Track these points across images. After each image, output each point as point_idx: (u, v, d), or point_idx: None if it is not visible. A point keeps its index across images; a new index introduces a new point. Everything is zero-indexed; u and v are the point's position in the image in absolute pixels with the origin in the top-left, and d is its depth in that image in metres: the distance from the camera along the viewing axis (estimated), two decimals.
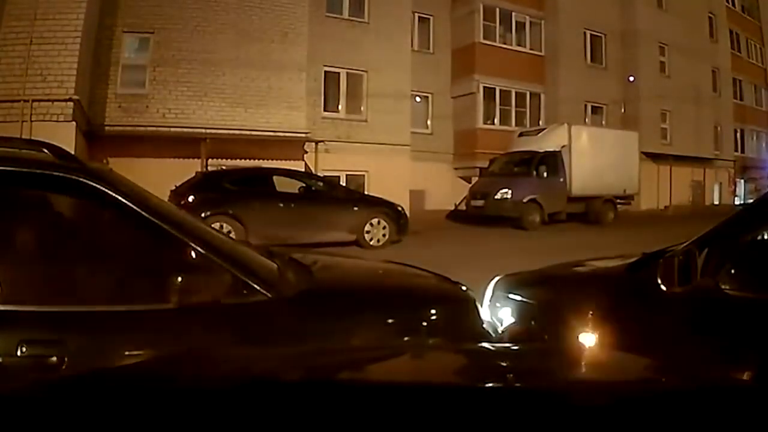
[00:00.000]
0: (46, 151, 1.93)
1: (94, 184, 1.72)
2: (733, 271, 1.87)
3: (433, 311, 2.17)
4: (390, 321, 2.01)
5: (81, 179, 1.72)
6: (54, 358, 1.52)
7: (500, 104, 19.25)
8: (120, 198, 1.73)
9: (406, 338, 1.99)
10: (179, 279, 1.70)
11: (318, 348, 1.52)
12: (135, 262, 1.88)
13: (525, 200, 13.95)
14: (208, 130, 12.20)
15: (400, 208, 10.72)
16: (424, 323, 2.08)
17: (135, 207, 1.74)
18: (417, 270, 2.80)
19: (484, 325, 2.32)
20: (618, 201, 16.51)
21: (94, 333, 1.63)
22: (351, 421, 0.75)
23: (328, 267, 2.61)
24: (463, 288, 2.48)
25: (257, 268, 1.96)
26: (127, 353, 1.62)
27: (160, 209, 1.87)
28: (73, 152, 8.45)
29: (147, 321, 1.69)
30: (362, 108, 15.70)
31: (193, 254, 1.77)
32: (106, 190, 1.72)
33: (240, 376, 1.05)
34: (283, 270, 2.14)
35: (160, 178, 10.24)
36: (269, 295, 1.82)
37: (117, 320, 1.66)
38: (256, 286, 1.81)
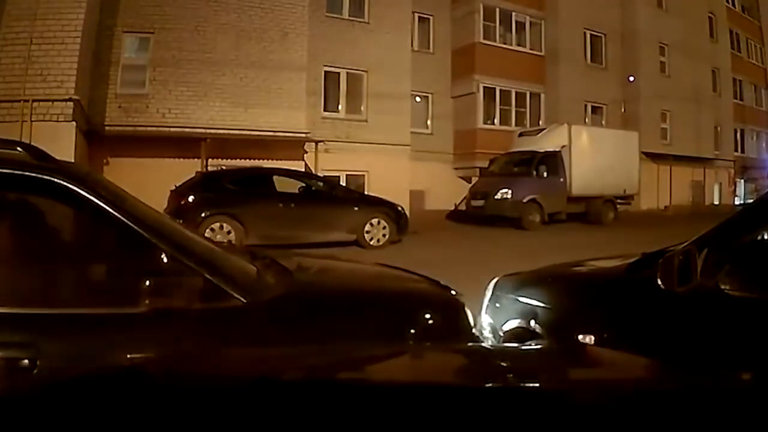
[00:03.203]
0: (20, 150, 1.87)
1: (69, 185, 1.68)
2: (733, 271, 1.87)
3: (420, 317, 2.09)
4: (373, 327, 1.93)
5: (55, 180, 1.67)
6: (26, 361, 1.49)
7: (500, 104, 19.26)
8: (95, 200, 1.69)
9: (391, 345, 1.92)
10: (150, 283, 1.67)
11: (318, 348, 1.52)
12: (107, 264, 1.85)
13: (525, 200, 13.96)
14: (208, 130, 12.20)
15: (400, 208, 10.72)
16: (411, 330, 2.02)
17: (110, 209, 1.70)
18: (406, 273, 2.73)
19: (474, 331, 2.26)
20: (618, 201, 16.51)
21: (63, 336, 1.60)
22: (351, 421, 0.75)
23: (310, 270, 2.54)
24: (453, 292, 2.41)
25: (232, 272, 1.91)
26: (94, 357, 1.58)
27: (137, 212, 1.82)
28: (73, 152, 8.46)
29: (115, 325, 1.65)
30: (362, 108, 15.70)
31: (166, 258, 1.73)
32: (81, 192, 1.68)
33: (240, 376, 1.05)
34: (261, 274, 2.09)
35: (160, 178, 10.26)
36: (243, 300, 1.77)
37: (85, 323, 1.63)
38: (229, 290, 1.76)
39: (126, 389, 0.91)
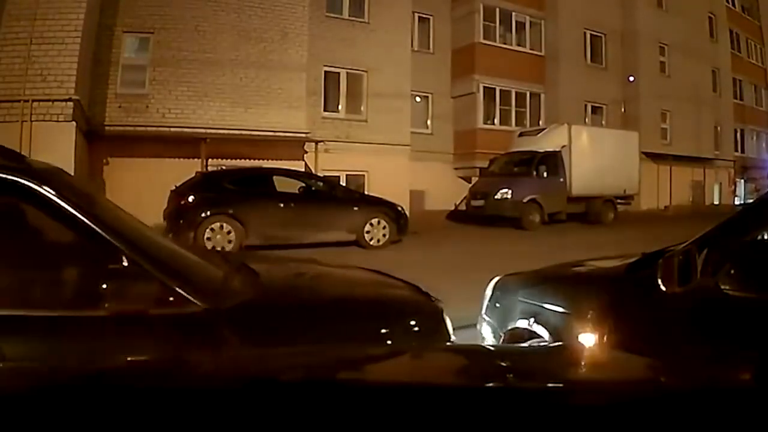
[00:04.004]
0: None
1: (32, 185, 1.65)
2: (733, 271, 1.87)
3: (395, 324, 2.03)
4: (344, 334, 1.87)
5: (18, 180, 1.65)
6: None
7: (500, 104, 19.26)
8: (57, 200, 1.66)
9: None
10: (108, 286, 1.64)
11: (318, 348, 1.52)
12: (66, 267, 1.82)
13: (525, 200, 13.96)
14: (208, 130, 12.21)
15: (400, 208, 10.73)
16: (385, 337, 1.97)
17: (72, 210, 1.67)
18: (385, 278, 2.66)
19: (453, 338, 2.19)
20: (618, 201, 16.52)
21: (15, 338, 1.57)
22: (351, 421, 0.75)
23: (282, 275, 2.46)
24: (433, 299, 2.34)
25: (193, 277, 1.86)
26: (45, 359, 1.55)
27: (102, 214, 1.79)
28: (73, 152, 8.46)
29: (70, 327, 1.62)
30: (362, 108, 15.71)
31: (126, 261, 1.69)
32: (44, 192, 1.65)
33: (240, 376, 1.05)
34: (227, 279, 2.04)
35: (160, 178, 10.27)
36: (203, 306, 1.72)
37: (37, 325, 1.59)
38: (188, 296, 1.72)
39: (133, 391, 0.91)
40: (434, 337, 2.07)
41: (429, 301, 2.33)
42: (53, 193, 1.67)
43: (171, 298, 1.71)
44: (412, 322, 2.10)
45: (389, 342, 1.96)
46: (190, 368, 1.14)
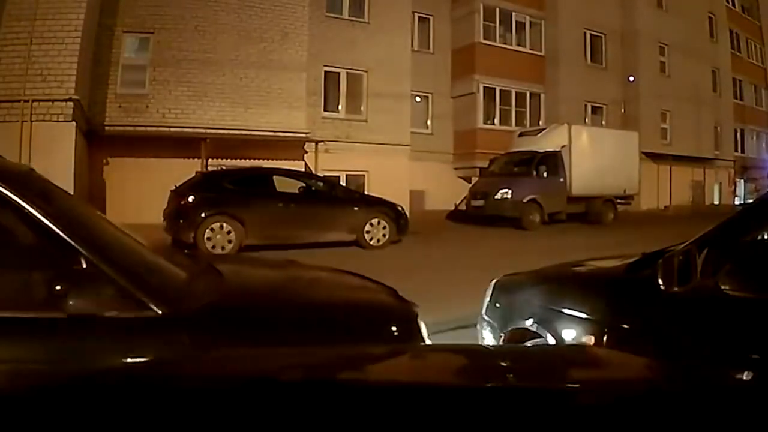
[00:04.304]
0: None
1: None
2: (733, 271, 1.87)
3: (366, 330, 1.97)
4: (311, 341, 1.81)
5: None
6: None
7: (500, 104, 19.27)
8: (17, 199, 1.64)
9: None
10: (63, 288, 1.59)
11: (318, 348, 1.52)
12: (23, 266, 1.78)
13: (525, 200, 13.96)
14: (208, 130, 12.21)
15: (400, 208, 10.72)
16: (357, 344, 1.88)
17: (31, 209, 1.64)
18: (362, 281, 2.60)
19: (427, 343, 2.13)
20: (618, 201, 16.53)
21: None
22: (351, 421, 0.75)
23: (250, 278, 2.40)
24: (407, 303, 2.28)
25: (154, 280, 1.82)
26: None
27: (64, 213, 1.75)
28: (73, 152, 8.42)
29: (17, 329, 1.58)
30: (362, 108, 15.71)
31: (85, 263, 1.64)
32: (3, 190, 1.63)
33: (240, 376, 1.05)
34: (191, 282, 2.00)
35: (160, 178, 10.27)
36: (160, 311, 1.67)
37: None
38: (145, 300, 1.67)
39: (133, 391, 0.91)
40: (408, 343, 2.01)
41: (403, 305, 2.28)
42: (15, 191, 1.64)
43: (128, 302, 1.66)
44: (384, 327, 2.04)
45: (357, 345, 1.91)
46: (190, 368, 1.14)
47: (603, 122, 21.25)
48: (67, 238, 1.65)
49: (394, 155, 15.35)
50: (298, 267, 2.89)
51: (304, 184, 10.34)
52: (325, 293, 2.38)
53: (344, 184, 13.63)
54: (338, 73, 15.37)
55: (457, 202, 16.83)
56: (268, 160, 12.14)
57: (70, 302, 1.60)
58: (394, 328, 2.06)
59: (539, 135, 15.75)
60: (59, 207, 1.79)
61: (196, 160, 11.66)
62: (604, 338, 2.10)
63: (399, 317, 2.15)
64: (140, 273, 1.80)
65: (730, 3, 27.36)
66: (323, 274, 2.78)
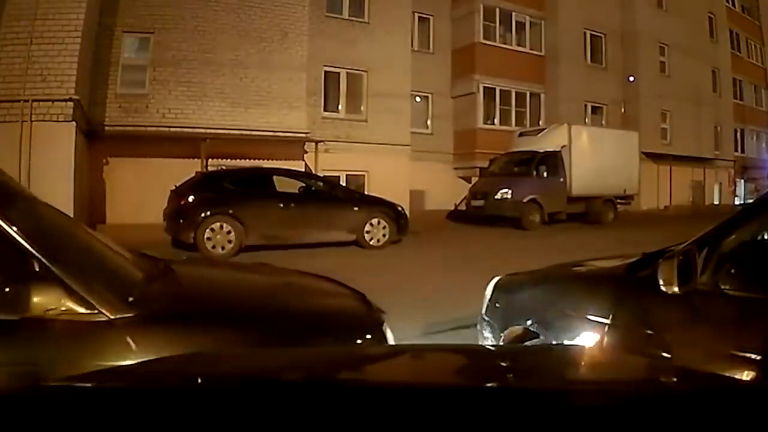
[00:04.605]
0: None
1: None
2: (733, 271, 1.87)
3: (327, 337, 1.93)
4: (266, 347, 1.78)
5: None
6: None
7: (500, 104, 19.26)
8: None
9: None
10: (11, 289, 1.58)
11: (318, 348, 1.52)
12: None
13: (525, 200, 13.97)
14: (208, 130, 12.20)
15: (400, 208, 10.72)
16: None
17: None
18: (332, 286, 2.57)
19: None
20: (618, 201, 16.53)
21: None
22: (351, 421, 0.75)
23: (208, 282, 2.35)
24: (374, 309, 2.23)
25: (104, 283, 1.78)
26: None
27: (18, 213, 1.73)
28: (72, 152, 8.42)
29: None
30: (362, 108, 15.71)
31: (38, 265, 1.62)
32: None
33: (240, 376, 1.05)
34: (147, 285, 1.97)
35: (160, 178, 10.27)
36: (109, 315, 1.65)
37: None
38: (95, 303, 1.64)
39: (134, 391, 0.91)
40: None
41: (369, 312, 2.24)
42: None
43: (77, 306, 1.63)
44: (348, 334, 2.00)
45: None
46: (190, 368, 1.14)
47: (603, 122, 21.24)
48: (18, 239, 1.62)
49: (394, 155, 15.35)
50: (267, 271, 2.83)
51: (304, 184, 10.35)
52: (287, 299, 2.32)
53: (344, 184, 13.63)
54: (338, 73, 15.37)
55: (457, 202, 16.83)
56: (268, 160, 12.14)
57: (19, 304, 1.58)
58: (358, 335, 2.02)
59: (539, 135, 15.75)
60: (9, 206, 1.76)
61: (196, 160, 11.65)
62: (604, 338, 2.10)
63: (364, 324, 2.11)
64: (91, 276, 1.77)
65: (730, 3, 27.35)
66: (292, 279, 2.72)
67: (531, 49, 20.07)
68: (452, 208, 17.00)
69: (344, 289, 2.54)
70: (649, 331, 1.98)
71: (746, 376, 1.45)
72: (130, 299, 1.79)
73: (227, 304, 2.10)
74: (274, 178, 10.08)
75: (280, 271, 2.88)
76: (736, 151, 27.31)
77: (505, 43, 19.54)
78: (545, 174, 14.69)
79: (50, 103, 9.16)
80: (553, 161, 14.87)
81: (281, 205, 9.62)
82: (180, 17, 12.46)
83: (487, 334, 2.89)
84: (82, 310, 1.64)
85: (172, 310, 1.88)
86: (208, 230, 8.96)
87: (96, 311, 1.65)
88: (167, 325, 1.78)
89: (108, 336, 1.65)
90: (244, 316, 1.98)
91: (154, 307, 1.83)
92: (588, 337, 2.16)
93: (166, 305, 1.90)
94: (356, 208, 10.28)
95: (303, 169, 12.85)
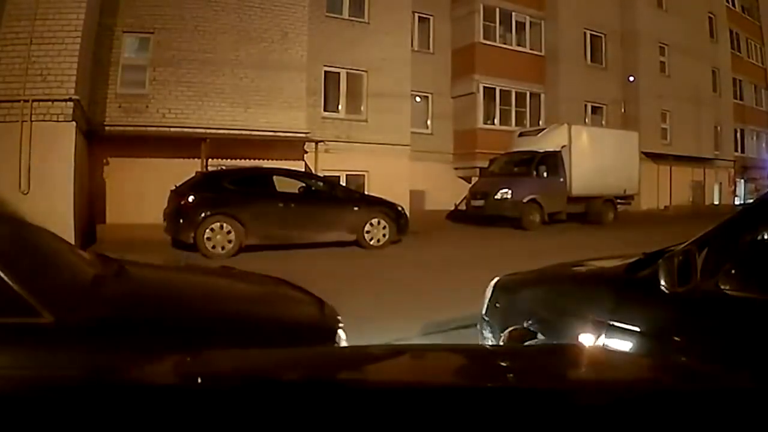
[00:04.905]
0: None
1: None
2: (733, 271, 1.87)
3: (273, 344, 1.88)
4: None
5: None
6: None
7: (500, 104, 19.27)
8: None
9: None
10: None
11: (318, 348, 1.52)
12: None
13: (525, 200, 13.97)
14: (208, 130, 12.20)
15: (400, 208, 10.73)
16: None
17: None
18: (290, 291, 2.52)
19: None
20: (618, 201, 16.53)
21: None
22: (351, 421, 0.75)
23: (160, 287, 2.31)
24: (327, 319, 2.18)
25: (50, 286, 1.75)
26: None
27: None
28: (72, 152, 8.42)
29: None
30: (362, 108, 15.71)
31: None
32: None
33: (240, 376, 1.04)
34: (96, 289, 1.94)
35: (160, 178, 10.27)
36: (52, 317, 1.61)
37: None
38: (37, 305, 1.61)
39: (134, 391, 0.91)
40: None
41: (322, 319, 2.20)
42: None
43: (22, 308, 1.59)
44: (294, 343, 1.96)
45: None
46: (190, 368, 1.14)
47: (603, 122, 21.24)
48: None
49: (394, 155, 15.35)
50: (226, 276, 2.76)
51: (304, 184, 10.35)
52: (237, 306, 2.26)
53: (344, 184, 13.63)
54: (338, 73, 15.37)
55: (457, 202, 16.83)
56: (268, 160, 12.14)
57: None
58: (308, 343, 1.99)
59: (539, 135, 15.76)
60: None
61: (196, 160, 11.65)
62: (604, 338, 2.10)
63: (314, 332, 2.07)
64: (38, 278, 1.74)
65: (730, 3, 27.35)
66: (249, 285, 2.67)
67: (531, 49, 20.07)
68: (452, 208, 17.00)
69: (302, 295, 2.49)
70: (649, 331, 1.98)
71: (746, 376, 1.45)
72: (76, 302, 1.76)
73: (166, 311, 2.02)
74: (274, 178, 10.09)
75: (241, 276, 2.82)
76: (736, 151, 27.31)
77: (505, 43, 19.55)
78: (545, 174, 14.69)
79: (50, 103, 9.15)
80: (553, 161, 14.88)
81: (281, 205, 9.63)
82: (180, 17, 12.46)
83: (487, 334, 2.89)
84: (24, 312, 1.60)
85: (118, 314, 1.84)
86: (208, 230, 8.96)
87: (38, 314, 1.61)
88: (110, 329, 1.74)
89: (50, 338, 1.61)
90: (194, 320, 1.93)
91: (99, 311, 1.79)
92: (588, 337, 2.16)
93: (111, 309, 1.85)
94: (356, 208, 10.29)
95: (303, 169, 12.85)
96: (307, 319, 2.22)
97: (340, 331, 2.12)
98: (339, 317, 2.25)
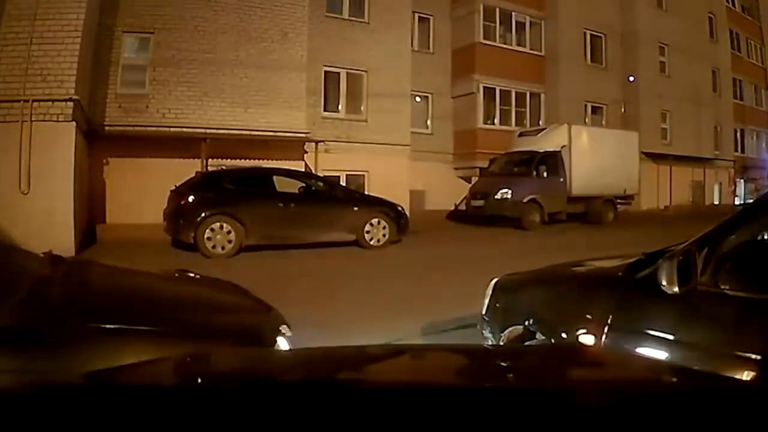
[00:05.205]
0: None
1: None
2: (733, 271, 1.87)
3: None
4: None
5: None
6: None
7: (500, 104, 19.26)
8: None
9: None
10: None
11: (318, 348, 1.52)
12: None
13: (525, 200, 13.97)
14: (208, 130, 12.20)
15: (400, 208, 10.73)
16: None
17: None
18: (238, 299, 2.49)
19: None
20: (618, 201, 16.53)
21: None
22: (351, 421, 0.75)
23: (98, 289, 2.27)
24: (270, 332, 2.13)
25: None
26: None
27: None
28: (73, 152, 8.41)
29: None
30: (362, 108, 15.70)
31: None
32: None
33: (240, 376, 1.05)
34: (32, 290, 1.92)
35: (160, 178, 10.27)
36: None
37: None
38: None
39: (134, 391, 0.91)
40: None
41: (260, 326, 2.17)
42: None
43: None
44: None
45: None
46: (190, 368, 1.14)
47: (603, 122, 21.24)
48: None
49: (394, 155, 15.35)
50: (175, 280, 2.73)
51: (304, 184, 10.35)
52: (175, 313, 2.20)
53: (344, 184, 13.63)
54: (338, 73, 15.37)
55: (457, 202, 16.83)
56: (268, 160, 12.14)
57: None
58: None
59: (539, 135, 15.76)
60: None
61: (196, 160, 11.65)
62: (604, 338, 2.10)
63: (248, 339, 2.04)
64: None
65: (730, 3, 27.35)
66: (197, 290, 2.64)
67: (531, 49, 20.07)
68: (452, 208, 17.00)
69: (246, 301, 2.46)
70: (649, 331, 1.98)
71: (746, 376, 1.45)
72: (16, 303, 1.74)
73: (120, 315, 1.96)
74: (274, 178, 10.08)
75: (190, 281, 2.78)
76: (736, 151, 27.31)
77: (505, 43, 19.54)
78: (545, 174, 14.69)
79: (50, 103, 9.15)
80: (553, 161, 14.88)
81: (281, 205, 9.62)
82: (180, 17, 12.46)
83: (487, 334, 2.89)
84: None
85: (49, 317, 1.80)
86: (208, 230, 8.96)
87: None
88: (37, 333, 1.70)
89: None
90: (131, 324, 1.89)
91: (28, 314, 1.76)
92: (588, 337, 2.16)
93: (48, 313, 1.82)
94: (356, 208, 10.29)
95: (303, 169, 12.84)
96: (245, 329, 2.16)
97: (280, 339, 2.08)
98: (284, 325, 2.21)
